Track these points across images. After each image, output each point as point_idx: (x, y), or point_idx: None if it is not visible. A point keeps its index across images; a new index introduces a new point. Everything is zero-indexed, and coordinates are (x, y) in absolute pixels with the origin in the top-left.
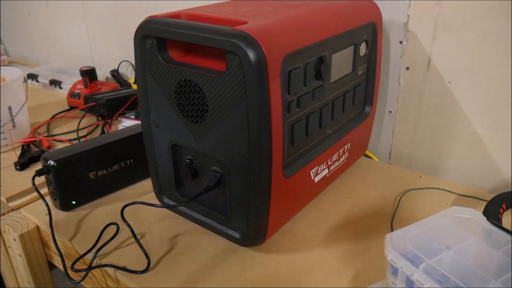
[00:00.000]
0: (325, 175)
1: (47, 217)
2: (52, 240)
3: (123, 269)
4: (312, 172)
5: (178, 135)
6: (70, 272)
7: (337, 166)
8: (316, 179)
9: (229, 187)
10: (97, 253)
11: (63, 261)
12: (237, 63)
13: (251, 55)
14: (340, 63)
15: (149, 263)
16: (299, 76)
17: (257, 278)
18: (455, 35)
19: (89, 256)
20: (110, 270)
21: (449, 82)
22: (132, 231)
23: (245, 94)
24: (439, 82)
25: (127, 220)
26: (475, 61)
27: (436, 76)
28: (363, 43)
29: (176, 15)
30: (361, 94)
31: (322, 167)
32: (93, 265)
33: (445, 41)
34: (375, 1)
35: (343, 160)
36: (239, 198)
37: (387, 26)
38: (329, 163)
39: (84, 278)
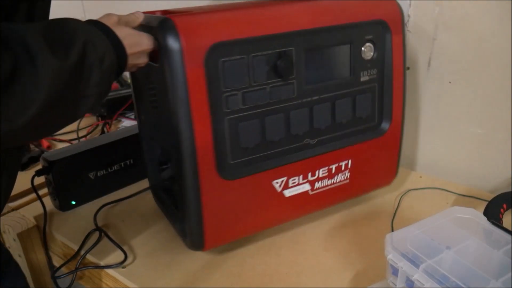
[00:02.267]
0: (307, 191)
1: (47, 217)
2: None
3: (102, 267)
4: (277, 183)
5: (151, 130)
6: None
7: (330, 186)
8: (288, 193)
9: (176, 183)
10: (82, 259)
11: (50, 264)
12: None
13: (167, 41)
14: (324, 64)
15: (125, 257)
16: (239, 68)
17: (257, 278)
18: (455, 35)
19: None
20: (110, 270)
21: (449, 82)
22: (106, 235)
23: (167, 83)
24: (439, 82)
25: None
26: (475, 61)
27: (436, 76)
28: (368, 44)
29: (164, 12)
30: (368, 104)
31: (295, 180)
32: (74, 268)
33: (445, 41)
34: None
35: (343, 180)
36: (178, 196)
37: None
38: (310, 178)
39: (72, 283)
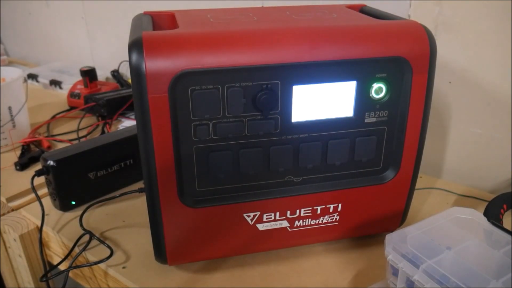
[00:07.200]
0: (285, 227)
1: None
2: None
3: (90, 264)
4: (248, 216)
5: None
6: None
7: (314, 225)
8: (262, 227)
9: None
10: (72, 262)
11: (45, 266)
12: None
13: (134, 61)
14: (319, 100)
15: (111, 252)
16: (210, 99)
17: (257, 278)
18: (455, 35)
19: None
20: (110, 270)
21: (449, 82)
22: (91, 235)
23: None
24: (439, 82)
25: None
26: (475, 61)
27: (436, 76)
28: (379, 83)
29: (165, 13)
30: (372, 148)
31: (270, 216)
32: (64, 269)
33: (445, 41)
34: (368, 3)
35: (330, 222)
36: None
37: None
38: (289, 216)
39: (65, 283)
